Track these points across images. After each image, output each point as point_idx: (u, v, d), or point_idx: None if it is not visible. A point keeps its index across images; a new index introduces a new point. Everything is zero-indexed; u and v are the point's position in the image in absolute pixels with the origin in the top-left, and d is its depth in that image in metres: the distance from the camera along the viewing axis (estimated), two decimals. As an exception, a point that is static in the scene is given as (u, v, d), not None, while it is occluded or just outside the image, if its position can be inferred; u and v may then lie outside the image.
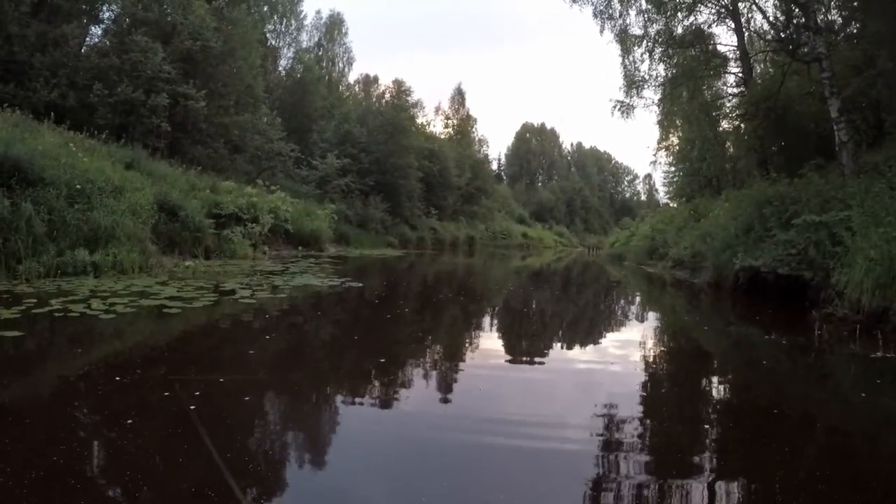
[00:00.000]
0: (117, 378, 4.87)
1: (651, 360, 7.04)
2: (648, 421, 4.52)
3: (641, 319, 10.73)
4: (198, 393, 4.48)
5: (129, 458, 3.43)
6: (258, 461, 3.56)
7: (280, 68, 46.78)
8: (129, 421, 3.96)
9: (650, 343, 8.11)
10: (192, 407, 4.16)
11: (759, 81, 19.71)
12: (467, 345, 7.62)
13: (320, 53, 53.60)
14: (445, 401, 5.00)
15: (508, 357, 6.84)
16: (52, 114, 16.90)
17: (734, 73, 21.44)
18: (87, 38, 24.68)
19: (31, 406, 4.23)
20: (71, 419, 4.05)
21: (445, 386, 5.46)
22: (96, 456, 3.48)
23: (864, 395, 5.36)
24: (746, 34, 20.40)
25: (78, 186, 11.25)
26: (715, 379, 6.33)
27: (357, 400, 4.91)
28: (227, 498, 2.99)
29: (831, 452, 4.03)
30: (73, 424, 3.95)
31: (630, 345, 7.65)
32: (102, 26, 25.43)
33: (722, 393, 5.69)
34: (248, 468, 3.39)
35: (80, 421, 4.07)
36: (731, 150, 24.56)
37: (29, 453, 3.31)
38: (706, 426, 4.59)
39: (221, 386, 4.86)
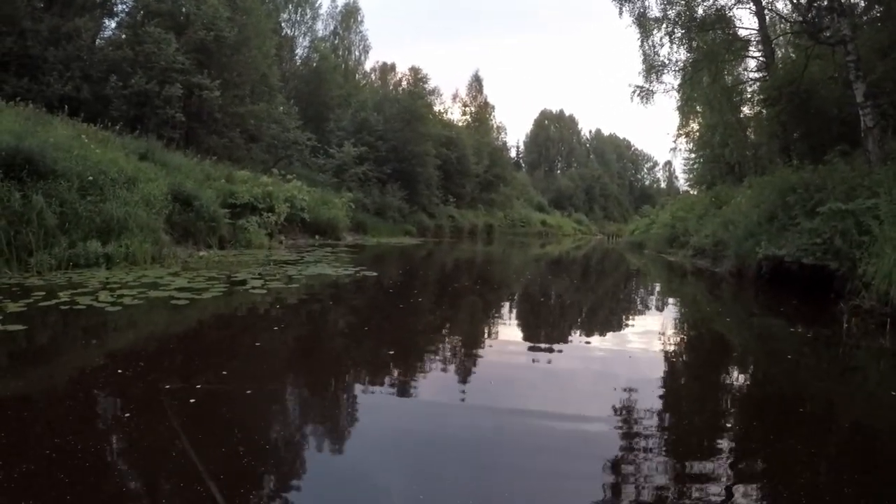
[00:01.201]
0: (119, 371, 4.81)
1: (671, 350, 6.85)
2: (668, 413, 4.38)
3: (661, 309, 10.50)
4: (199, 386, 4.38)
5: (130, 451, 3.36)
6: (272, 451, 3.51)
7: (296, 57, 46.70)
8: (127, 414, 3.91)
9: (670, 333, 7.91)
10: (191, 400, 4.06)
11: (781, 66, 19.20)
12: (484, 335, 7.43)
13: (336, 42, 53.36)
14: (463, 391, 4.89)
15: (527, 346, 6.69)
16: (66, 107, 16.94)
17: (755, 58, 20.93)
18: (101, 31, 24.73)
19: (27, 401, 4.13)
20: (67, 414, 3.95)
21: (462, 376, 5.34)
22: (88, 451, 3.36)
23: (894, 393, 5.11)
24: (768, 17, 19.87)
25: (90, 178, 11.22)
26: (737, 372, 6.11)
27: (368, 391, 4.79)
28: (239, 487, 2.93)
29: (858, 453, 3.81)
30: (68, 419, 3.84)
31: (650, 335, 7.44)
32: (116, 19, 25.50)
33: (744, 387, 5.48)
34: (261, 458, 3.33)
35: (75, 415, 3.96)
36: (752, 136, 24.05)
37: (20, 448, 3.21)
38: (727, 421, 4.42)
39: (224, 378, 4.75)
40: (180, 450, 3.34)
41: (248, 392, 4.45)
